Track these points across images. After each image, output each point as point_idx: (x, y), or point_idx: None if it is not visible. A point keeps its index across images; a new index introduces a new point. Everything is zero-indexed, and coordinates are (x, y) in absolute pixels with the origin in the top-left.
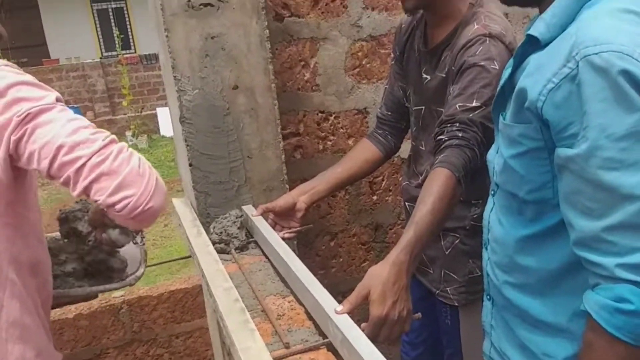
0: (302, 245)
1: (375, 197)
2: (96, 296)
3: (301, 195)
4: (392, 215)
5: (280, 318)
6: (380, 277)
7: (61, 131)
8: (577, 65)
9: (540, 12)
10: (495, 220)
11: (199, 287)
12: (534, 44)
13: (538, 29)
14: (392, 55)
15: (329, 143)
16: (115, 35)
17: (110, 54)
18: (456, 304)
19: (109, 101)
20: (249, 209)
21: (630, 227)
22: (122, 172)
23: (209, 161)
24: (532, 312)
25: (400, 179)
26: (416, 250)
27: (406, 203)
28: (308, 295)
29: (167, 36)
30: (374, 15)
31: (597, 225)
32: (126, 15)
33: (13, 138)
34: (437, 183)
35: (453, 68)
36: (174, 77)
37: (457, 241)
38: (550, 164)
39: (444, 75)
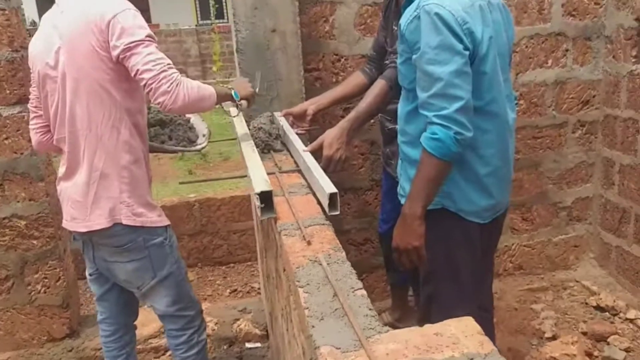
0: None
1: (372, 122)
2: (176, 152)
3: (311, 105)
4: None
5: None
6: (330, 134)
7: (140, 60)
8: (419, 11)
9: None
10: (399, 105)
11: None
12: (409, 1)
13: None
14: (381, 14)
15: (340, 77)
16: (210, 4)
17: (205, 22)
18: None
19: (201, 66)
20: (276, 114)
21: (440, 95)
22: (160, 88)
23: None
24: (412, 156)
25: None
26: (355, 123)
27: (379, 115)
28: (292, 147)
29: None
30: None
31: (425, 95)
32: None
33: (121, 56)
34: (376, 87)
35: None
36: (234, 21)
37: None
38: (414, 65)
39: None
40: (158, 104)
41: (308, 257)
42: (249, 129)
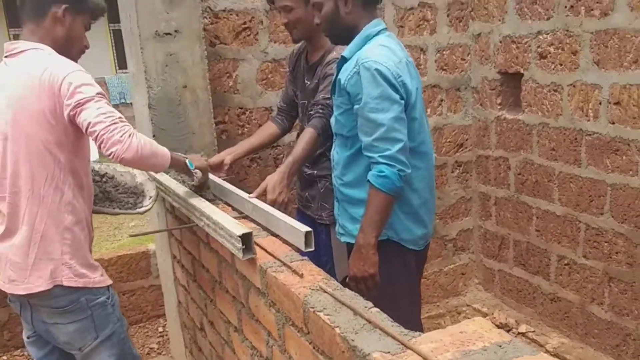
0: None
1: (277, 169)
2: (117, 214)
3: (227, 155)
4: None
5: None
6: (272, 179)
7: (92, 113)
8: (359, 67)
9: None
10: (335, 152)
11: (141, 253)
12: (344, 60)
13: (346, 54)
14: (288, 69)
15: (246, 129)
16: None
17: (123, 70)
18: (328, 223)
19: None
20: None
21: (382, 139)
22: (112, 138)
23: (166, 134)
24: (353, 196)
25: None
26: (293, 168)
27: None
28: (233, 195)
29: (141, 52)
30: (276, 46)
31: (369, 139)
32: None
33: (71, 113)
34: (306, 135)
35: (321, 76)
36: (145, 78)
37: (327, 183)
38: (354, 115)
39: (317, 81)
40: (110, 154)
41: (308, 287)
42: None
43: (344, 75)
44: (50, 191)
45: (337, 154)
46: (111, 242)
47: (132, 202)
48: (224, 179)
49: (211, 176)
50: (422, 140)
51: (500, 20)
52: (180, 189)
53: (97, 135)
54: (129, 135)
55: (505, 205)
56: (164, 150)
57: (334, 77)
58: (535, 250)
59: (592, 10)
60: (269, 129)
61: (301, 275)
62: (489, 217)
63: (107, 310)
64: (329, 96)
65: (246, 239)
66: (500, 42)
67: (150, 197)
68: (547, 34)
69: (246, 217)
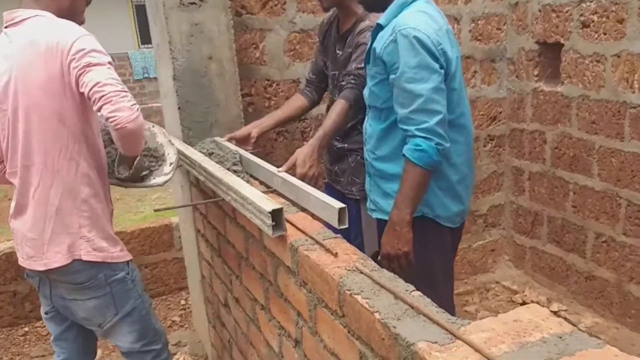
0: None
1: (305, 142)
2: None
3: (254, 128)
4: None
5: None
6: (302, 152)
7: (102, 75)
8: (396, 35)
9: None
10: (368, 125)
11: (164, 226)
12: (380, 28)
13: (381, 21)
14: (318, 39)
15: (272, 102)
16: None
17: (147, 45)
18: (358, 198)
19: None
20: (218, 139)
21: (420, 110)
22: (121, 102)
23: (191, 106)
24: (387, 170)
25: None
26: (323, 141)
27: None
28: (261, 169)
29: (166, 22)
30: (304, 16)
31: (406, 111)
32: None
33: (79, 73)
34: (337, 106)
35: (353, 45)
36: (170, 49)
37: (358, 157)
38: (389, 86)
39: (349, 50)
40: (112, 118)
41: (343, 267)
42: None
43: (379, 43)
44: (65, 163)
45: (370, 126)
46: (134, 214)
47: (152, 166)
48: (250, 152)
49: (238, 149)
50: (461, 113)
51: None
52: (207, 162)
53: (105, 95)
54: (138, 109)
55: (540, 180)
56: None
57: (367, 46)
58: (571, 227)
59: None
60: (297, 101)
61: (335, 255)
62: (522, 193)
63: (127, 286)
64: (362, 66)
65: (276, 215)
66: (540, 10)
67: (171, 163)
68: (591, 1)
69: (275, 192)
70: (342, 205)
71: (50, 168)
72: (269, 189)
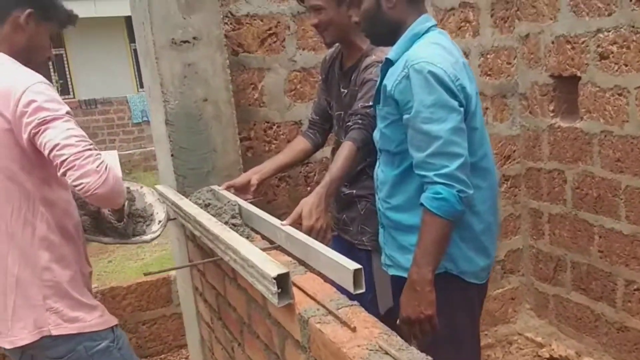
0: None
1: (309, 188)
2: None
3: (254, 175)
4: None
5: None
6: (308, 202)
7: (60, 134)
8: (409, 70)
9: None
10: (380, 171)
11: (162, 280)
12: (389, 63)
13: (391, 56)
14: (320, 77)
15: (273, 146)
16: (54, 81)
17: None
18: (370, 249)
19: None
20: (215, 187)
21: (439, 154)
22: (86, 167)
23: (186, 153)
24: (403, 222)
25: None
26: (330, 188)
27: None
28: (263, 222)
29: (157, 62)
30: (305, 53)
31: (422, 155)
32: (65, 62)
33: (33, 132)
34: (344, 150)
35: (358, 83)
36: (162, 91)
37: (368, 204)
38: (403, 127)
39: (355, 88)
40: (79, 186)
41: (365, 345)
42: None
43: (390, 80)
44: (19, 227)
45: (383, 172)
46: (134, 261)
47: (139, 230)
48: (250, 202)
49: (237, 199)
50: (484, 154)
51: (551, 18)
52: (202, 216)
53: (66, 160)
54: (106, 168)
55: (561, 222)
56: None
57: (376, 83)
58: (598, 273)
59: None
60: (300, 144)
61: (353, 329)
62: (541, 236)
63: (112, 356)
64: (370, 105)
65: (282, 280)
66: (553, 42)
67: (160, 221)
68: (609, 31)
69: (278, 248)
70: (358, 266)
71: (4, 232)
72: (272, 245)
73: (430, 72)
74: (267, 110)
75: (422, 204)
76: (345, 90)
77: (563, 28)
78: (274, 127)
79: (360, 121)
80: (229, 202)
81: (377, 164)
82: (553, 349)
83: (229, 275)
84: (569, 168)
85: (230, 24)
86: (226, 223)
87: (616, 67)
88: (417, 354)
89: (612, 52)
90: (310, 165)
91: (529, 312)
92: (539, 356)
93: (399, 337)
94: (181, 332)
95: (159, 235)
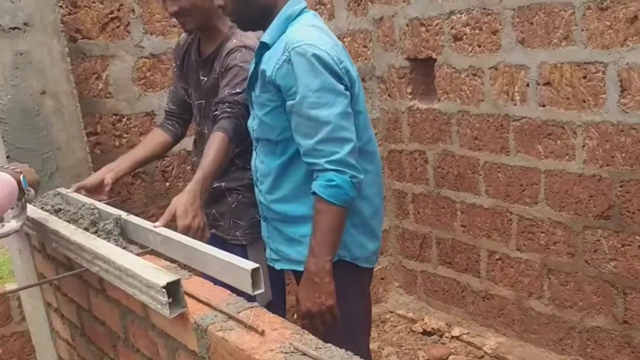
0: None
1: (167, 184)
2: None
3: (108, 173)
4: None
5: None
6: (181, 200)
7: None
8: (290, 53)
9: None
10: (259, 162)
11: None
12: (265, 47)
13: (266, 39)
14: (174, 64)
15: (124, 140)
16: None
17: None
18: (244, 243)
19: None
20: (62, 190)
21: (329, 140)
22: None
23: (24, 154)
24: (290, 213)
25: (187, 167)
26: (205, 184)
27: None
28: (130, 226)
29: None
30: (153, 38)
31: (311, 142)
32: None
33: None
34: (215, 141)
35: (222, 69)
36: None
37: (239, 196)
38: (286, 114)
39: (216, 76)
40: None
41: (278, 349)
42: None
43: (269, 65)
44: None
45: (263, 163)
46: None
47: None
48: (105, 203)
49: (93, 201)
50: (368, 138)
51: (404, 1)
52: (59, 224)
53: None
54: None
55: (425, 201)
56: (7, 178)
57: (241, 68)
58: (462, 246)
59: None
60: (158, 137)
61: (262, 333)
62: (406, 216)
63: None
64: (238, 91)
65: (173, 289)
66: (407, 25)
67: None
68: (461, 13)
69: (151, 252)
70: (255, 265)
71: None
72: (145, 249)
73: (314, 55)
74: (115, 102)
75: (314, 193)
76: (205, 78)
77: (417, 11)
78: (124, 120)
79: (228, 110)
80: (83, 205)
81: (254, 154)
82: (425, 323)
83: (94, 287)
84: (429, 148)
85: (66, 7)
86: (86, 229)
87: (470, 49)
88: (335, 350)
89: (466, 34)
90: (167, 159)
91: (398, 289)
92: (413, 331)
93: (311, 335)
94: (27, 352)
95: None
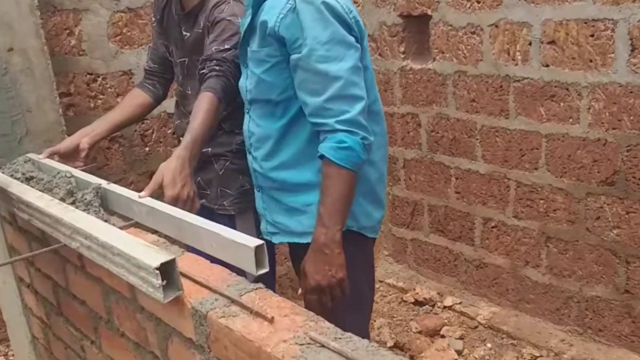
0: None
1: (147, 149)
2: None
3: (83, 137)
4: None
5: None
6: (169, 167)
7: None
8: (295, 1)
9: None
10: (254, 126)
11: None
12: None
13: None
14: (154, 19)
15: (99, 101)
16: None
17: None
18: (232, 213)
19: None
20: (33, 156)
21: (339, 97)
22: None
23: None
24: (291, 180)
25: (168, 131)
26: (194, 149)
27: (180, 138)
28: (109, 194)
29: None
30: None
31: (319, 99)
32: None
33: None
34: (203, 102)
35: (208, 23)
36: None
37: (227, 163)
38: (289, 70)
39: (200, 31)
40: None
41: (292, 340)
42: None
43: (271, 15)
44: None
45: (259, 127)
46: None
47: None
48: (81, 169)
49: (69, 168)
50: (375, 97)
51: None
52: (30, 194)
53: None
54: None
55: (417, 167)
56: None
57: (230, 22)
58: (456, 214)
59: None
60: (137, 97)
61: (271, 320)
62: (397, 182)
63: None
64: (227, 47)
65: (167, 270)
66: None
67: None
68: None
69: (136, 225)
70: (259, 242)
71: None
72: (129, 222)
73: (323, 2)
74: (89, 60)
75: (321, 157)
76: (188, 34)
77: None
78: (99, 80)
79: (217, 67)
80: (58, 173)
81: (247, 118)
82: (417, 293)
83: (73, 263)
84: (423, 111)
85: None
86: (63, 200)
87: (468, 5)
88: (358, 341)
89: None
90: (147, 122)
91: (387, 258)
92: (404, 301)
93: (328, 323)
94: None
95: None
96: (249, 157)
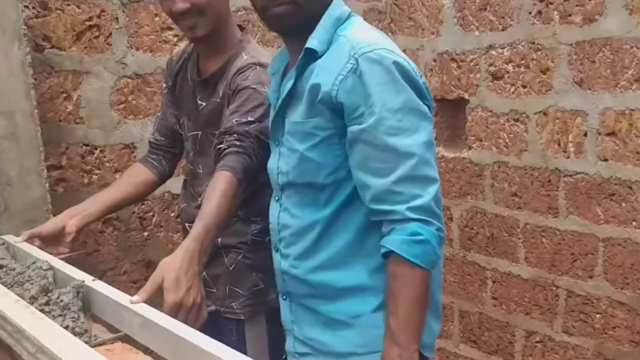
0: None
1: (146, 233)
2: None
3: (71, 219)
4: (165, 251)
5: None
6: (172, 265)
7: None
8: (357, 61)
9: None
10: (288, 217)
11: None
12: (312, 56)
13: (314, 45)
14: (164, 85)
15: (95, 177)
16: None
17: None
18: (242, 317)
19: None
20: (9, 238)
21: (411, 179)
22: None
23: None
24: (336, 284)
25: (172, 214)
26: (206, 241)
27: (186, 224)
28: (99, 298)
29: None
30: (140, 54)
31: (387, 181)
32: None
33: None
34: (220, 183)
35: (229, 91)
36: None
37: (240, 256)
38: (342, 147)
39: (219, 100)
40: None
41: None
42: None
43: (325, 77)
44: None
45: (296, 218)
46: None
47: None
48: (63, 258)
49: (48, 257)
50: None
51: (433, 32)
52: None
53: None
54: None
55: (447, 265)
56: None
57: (255, 91)
58: (492, 323)
59: (571, 15)
60: (138, 174)
61: None
62: None
63: None
64: (251, 119)
65: None
66: (435, 60)
67: None
68: (503, 48)
69: (124, 339)
70: None
71: None
72: (116, 335)
73: (395, 62)
74: (86, 129)
75: (390, 253)
76: (204, 103)
77: (447, 44)
78: (96, 152)
79: (238, 143)
80: (34, 263)
81: (276, 206)
82: None
83: None
84: (455, 204)
85: (34, 8)
86: (34, 299)
87: (512, 89)
88: None
89: (507, 72)
90: (147, 203)
91: None
92: None
93: None
94: None
95: None
96: (275, 256)
